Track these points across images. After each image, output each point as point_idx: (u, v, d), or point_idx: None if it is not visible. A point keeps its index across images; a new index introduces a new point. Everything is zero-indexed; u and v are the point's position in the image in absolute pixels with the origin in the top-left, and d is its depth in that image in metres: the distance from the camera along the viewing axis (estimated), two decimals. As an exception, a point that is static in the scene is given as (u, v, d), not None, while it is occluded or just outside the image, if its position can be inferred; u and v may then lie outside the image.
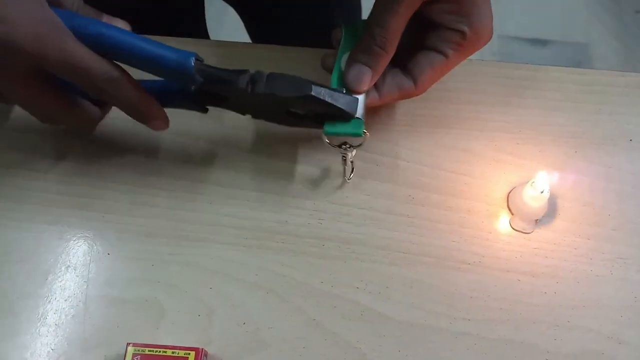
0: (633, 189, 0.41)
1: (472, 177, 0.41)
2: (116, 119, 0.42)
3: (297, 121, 0.39)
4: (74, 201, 0.41)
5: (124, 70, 0.36)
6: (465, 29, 0.37)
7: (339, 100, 0.36)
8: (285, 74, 0.36)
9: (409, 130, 0.43)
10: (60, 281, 0.38)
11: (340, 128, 0.37)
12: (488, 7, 0.38)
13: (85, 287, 0.38)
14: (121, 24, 0.39)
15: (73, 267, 0.38)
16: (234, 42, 0.47)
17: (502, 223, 0.40)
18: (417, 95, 0.40)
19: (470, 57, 0.39)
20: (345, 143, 0.38)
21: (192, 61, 0.35)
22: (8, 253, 0.39)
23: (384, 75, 0.39)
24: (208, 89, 0.37)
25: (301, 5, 0.66)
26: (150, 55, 0.35)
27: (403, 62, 0.39)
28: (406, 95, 0.40)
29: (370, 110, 0.43)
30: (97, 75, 0.34)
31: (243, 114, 0.39)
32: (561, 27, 1.54)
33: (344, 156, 0.39)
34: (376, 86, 0.39)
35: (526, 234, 0.39)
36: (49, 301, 0.37)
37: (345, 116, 0.37)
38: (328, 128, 0.37)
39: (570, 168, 0.41)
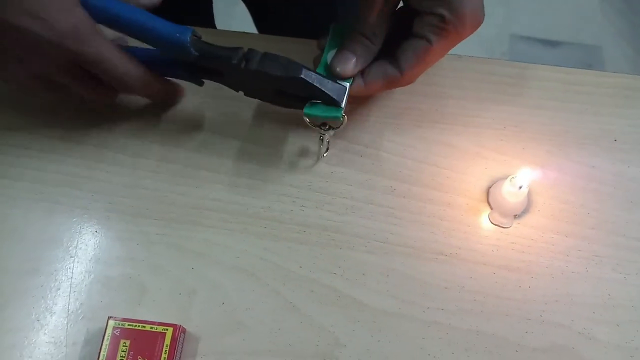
0: (613, 189, 0.41)
1: (454, 171, 0.42)
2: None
3: (287, 102, 0.40)
4: (65, 180, 0.42)
5: (147, 70, 0.40)
6: (444, 12, 0.37)
7: (327, 85, 0.37)
8: (279, 55, 0.38)
9: (394, 122, 0.44)
10: (48, 256, 0.39)
11: (320, 111, 0.38)
12: None
13: (71, 262, 0.39)
14: None
15: (61, 243, 0.40)
16: (238, 32, 0.48)
17: (481, 217, 0.40)
18: (404, 84, 0.40)
19: (459, 54, 0.40)
20: (324, 124, 0.39)
21: (189, 35, 0.37)
22: (-1, 227, 0.40)
23: (370, 64, 0.39)
24: (203, 63, 0.38)
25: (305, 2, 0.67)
26: (150, 28, 0.37)
27: (390, 52, 0.40)
28: (392, 84, 0.40)
29: (357, 102, 0.44)
30: (124, 75, 0.39)
31: (237, 90, 0.41)
32: (572, 28, 1.53)
33: (321, 136, 0.40)
34: (362, 74, 0.40)
35: (504, 229, 0.40)
36: (37, 275, 0.39)
37: (331, 102, 0.38)
38: (308, 110, 0.38)
39: (552, 166, 0.42)
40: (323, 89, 0.37)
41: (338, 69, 0.38)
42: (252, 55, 0.37)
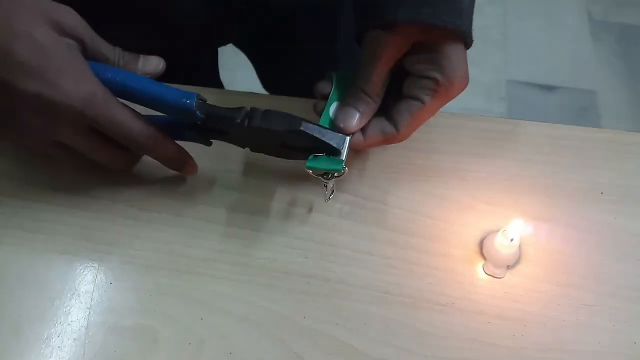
0: (601, 240, 0.43)
1: (449, 223, 0.44)
2: (125, 159, 0.46)
3: (291, 154, 0.43)
4: (83, 233, 0.44)
5: (160, 132, 0.42)
6: (437, 75, 0.40)
7: (327, 135, 0.40)
8: (279, 111, 0.40)
9: (393, 177, 0.46)
10: (65, 307, 0.41)
11: (322, 164, 0.41)
12: (460, 57, 0.41)
13: (87, 313, 0.41)
14: (155, 61, 0.44)
15: (78, 294, 0.42)
16: (245, 92, 0.52)
17: (476, 268, 0.42)
18: (399, 140, 0.43)
19: (454, 112, 0.43)
20: (326, 173, 0.41)
21: (195, 100, 0.40)
22: (20, 278, 0.42)
23: (369, 120, 0.42)
24: (209, 125, 0.41)
25: (308, 53, 0.71)
26: (158, 96, 0.40)
27: (387, 110, 0.43)
28: (389, 140, 0.43)
29: (359, 157, 0.47)
30: (139, 138, 0.41)
31: (243, 147, 0.43)
32: (568, 73, 1.58)
33: (325, 184, 0.42)
34: (362, 130, 0.43)
35: (498, 279, 0.42)
36: (54, 325, 0.41)
37: (333, 151, 0.41)
38: (310, 163, 0.41)
39: (542, 218, 0.44)
40: (324, 139, 0.40)
41: (342, 125, 0.42)
42: (254, 113, 0.40)
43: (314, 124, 0.40)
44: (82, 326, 0.41)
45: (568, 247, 0.43)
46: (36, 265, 0.43)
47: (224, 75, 0.80)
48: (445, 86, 0.40)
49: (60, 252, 0.44)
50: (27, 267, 0.43)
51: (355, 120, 0.41)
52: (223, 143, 0.43)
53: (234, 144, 0.43)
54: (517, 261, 0.42)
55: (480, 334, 0.40)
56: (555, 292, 0.41)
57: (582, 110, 1.52)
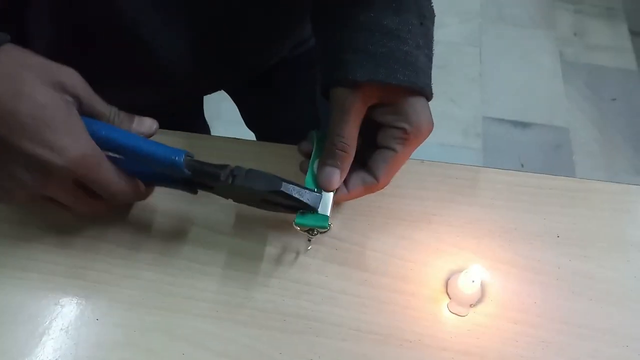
0: (557, 281, 0.47)
1: (417, 264, 0.47)
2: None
3: (271, 207, 0.46)
4: (72, 272, 0.47)
5: (140, 187, 0.45)
6: (405, 125, 0.44)
7: (304, 196, 0.44)
8: (261, 172, 0.43)
9: (366, 220, 0.50)
10: (54, 342, 0.44)
11: (309, 220, 0.44)
12: (422, 106, 0.45)
13: (74, 348, 0.43)
14: (149, 122, 0.47)
15: (65, 330, 0.44)
16: (234, 138, 0.55)
17: (441, 306, 0.46)
18: (380, 188, 0.47)
19: (432, 147, 0.47)
20: (312, 229, 0.45)
21: (182, 158, 0.43)
22: (15, 315, 0.45)
23: (349, 174, 0.46)
24: (196, 179, 0.44)
25: (290, 100, 0.75)
26: (148, 153, 0.43)
27: (363, 161, 0.46)
28: (370, 190, 0.46)
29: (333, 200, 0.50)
30: (120, 194, 0.44)
31: (226, 198, 0.46)
32: (543, 111, 1.65)
33: (309, 238, 0.46)
34: (345, 184, 0.46)
35: (461, 317, 0.45)
36: (43, 360, 0.43)
37: (309, 209, 0.44)
38: (298, 219, 0.44)
39: (503, 260, 0.48)
40: (302, 199, 0.43)
41: (325, 184, 0.45)
42: (238, 171, 0.43)
43: (294, 184, 0.44)
44: (69, 361, 0.43)
45: (526, 288, 0.46)
46: (28, 303, 0.45)
47: (209, 109, 0.83)
48: (413, 133, 0.44)
49: (50, 290, 0.46)
50: (20, 304, 0.45)
51: (335, 176, 0.45)
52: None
53: (218, 195, 0.46)
54: (480, 300, 0.46)
55: (444, 369, 0.43)
56: (514, 330, 0.45)
57: (556, 147, 1.58)
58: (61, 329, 0.44)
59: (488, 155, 1.52)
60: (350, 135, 0.45)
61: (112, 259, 0.47)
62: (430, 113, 0.45)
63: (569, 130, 1.61)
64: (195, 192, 0.47)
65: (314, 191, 0.44)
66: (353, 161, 0.46)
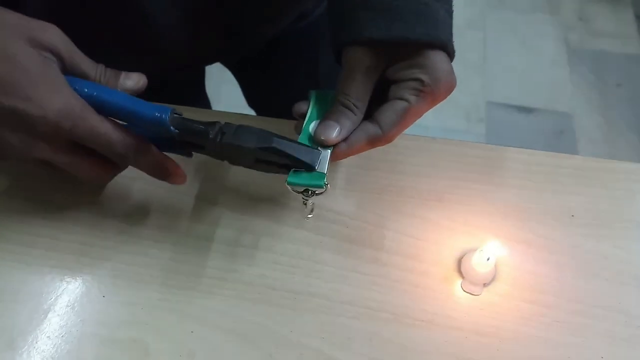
0: (572, 260, 0.46)
1: (429, 243, 0.46)
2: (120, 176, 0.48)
3: (268, 168, 0.43)
4: (77, 248, 0.46)
5: (141, 140, 0.42)
6: (422, 76, 0.40)
7: (300, 151, 0.41)
8: (253, 127, 0.41)
9: (376, 197, 0.49)
10: (59, 320, 0.43)
11: (303, 179, 0.41)
12: (443, 60, 0.41)
13: (80, 325, 0.43)
14: (136, 77, 0.44)
15: (71, 307, 0.43)
16: (226, 112, 0.54)
17: (454, 285, 0.45)
18: (385, 142, 0.42)
19: (435, 132, 0.45)
20: (307, 190, 0.42)
21: (168, 115, 0.41)
22: (16, 292, 0.44)
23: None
24: (185, 139, 0.42)
25: (292, 76, 0.73)
26: (133, 110, 0.41)
27: (368, 115, 0.43)
28: (374, 142, 0.42)
29: (344, 177, 0.49)
30: (119, 146, 0.41)
31: (221, 159, 0.43)
32: (546, 96, 1.63)
33: (304, 200, 0.43)
34: (345, 139, 0.42)
35: (475, 296, 0.44)
36: (47, 337, 0.42)
37: (307, 168, 0.41)
38: (291, 178, 0.41)
39: (516, 239, 0.47)
40: (295, 155, 0.40)
41: (322, 137, 0.41)
42: (228, 128, 0.41)
43: (287, 140, 0.41)
44: (75, 338, 0.42)
45: (540, 267, 0.46)
46: (30, 279, 0.44)
47: (209, 90, 0.82)
48: (430, 86, 0.40)
49: (54, 267, 0.45)
50: (21, 281, 0.44)
51: (334, 131, 0.41)
52: (209, 159, 0.44)
53: (212, 156, 0.43)
54: (493, 279, 0.45)
55: (457, 348, 0.42)
56: (528, 310, 0.44)
57: (559, 133, 1.57)
58: (66, 305, 0.43)
59: (491, 140, 1.51)
60: (357, 94, 0.41)
61: (118, 235, 0.46)
62: (453, 70, 0.41)
63: (572, 116, 1.59)
64: (189, 155, 0.44)
65: (311, 148, 0.42)
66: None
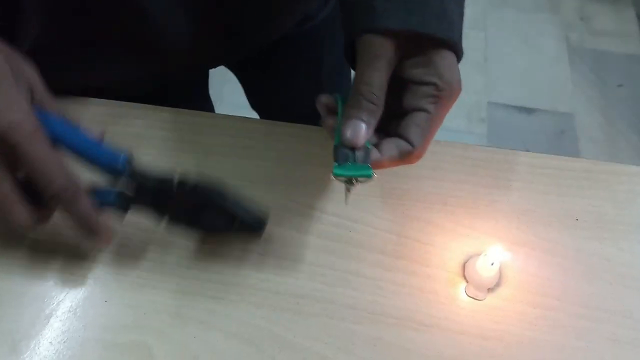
0: (575, 264, 0.46)
1: (434, 246, 0.46)
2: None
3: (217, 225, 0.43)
4: (79, 252, 0.46)
5: (81, 187, 0.39)
6: (436, 80, 0.39)
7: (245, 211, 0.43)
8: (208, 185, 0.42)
9: (380, 201, 0.49)
10: (61, 325, 0.42)
11: (350, 171, 0.40)
12: (452, 62, 0.40)
13: (83, 330, 0.42)
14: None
15: (73, 312, 0.43)
16: (233, 115, 0.54)
17: (458, 289, 0.45)
18: (417, 157, 0.42)
19: (436, 139, 0.45)
20: (350, 180, 0.40)
21: (123, 160, 0.41)
22: (19, 297, 0.43)
23: (380, 142, 0.41)
24: (136, 188, 0.42)
25: (295, 79, 0.73)
26: (90, 150, 0.40)
27: (395, 129, 0.42)
28: (406, 158, 0.41)
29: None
30: (58, 182, 0.38)
31: (162, 214, 0.43)
32: (548, 96, 1.63)
33: (348, 189, 0.41)
34: (378, 149, 0.41)
35: (479, 300, 0.44)
36: (50, 342, 0.42)
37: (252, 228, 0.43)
38: (337, 170, 0.40)
39: (520, 242, 0.47)
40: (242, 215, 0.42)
41: (350, 137, 0.40)
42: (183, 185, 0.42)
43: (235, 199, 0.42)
44: (77, 344, 0.42)
45: (544, 271, 0.45)
46: (33, 283, 0.44)
47: (212, 91, 0.82)
48: (445, 91, 0.40)
49: (56, 270, 0.45)
50: (23, 286, 0.44)
51: (361, 130, 0.40)
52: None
53: (153, 211, 0.43)
54: (497, 284, 0.45)
55: (462, 353, 0.42)
56: (532, 314, 0.44)
57: (560, 133, 1.56)
58: (68, 310, 0.43)
59: (492, 141, 1.51)
60: (379, 84, 0.40)
61: (120, 239, 0.46)
62: (460, 74, 0.41)
63: (573, 116, 1.59)
64: (126, 211, 0.43)
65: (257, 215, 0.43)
66: (381, 131, 0.41)
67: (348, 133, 0.40)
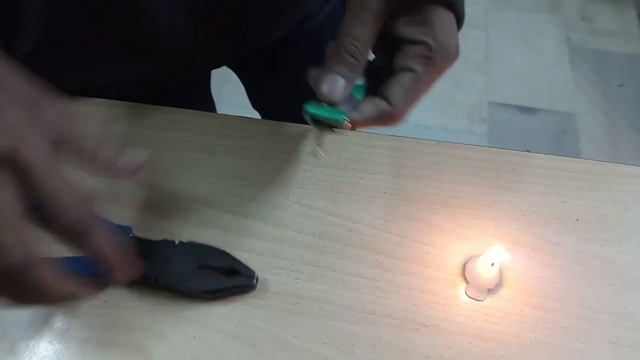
0: (576, 265, 0.46)
1: (433, 247, 0.46)
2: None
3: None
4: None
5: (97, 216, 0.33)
6: (429, 40, 0.37)
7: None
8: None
9: (379, 201, 0.48)
10: (62, 325, 0.42)
11: (323, 111, 0.38)
12: (451, 24, 0.38)
13: (82, 330, 0.42)
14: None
15: (73, 312, 0.43)
16: (241, 116, 0.54)
17: (458, 290, 0.45)
18: (397, 119, 0.39)
19: (436, 131, 0.45)
20: (321, 123, 0.38)
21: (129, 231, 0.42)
22: (17, 297, 0.43)
23: (364, 99, 0.40)
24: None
25: (296, 79, 0.73)
26: None
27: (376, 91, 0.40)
28: (385, 119, 0.39)
29: (348, 182, 0.49)
30: (73, 201, 0.31)
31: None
32: (549, 96, 1.63)
33: (317, 135, 0.40)
34: (358, 108, 0.39)
35: (479, 302, 0.44)
36: (49, 342, 0.42)
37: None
38: (310, 108, 0.38)
39: (521, 243, 0.47)
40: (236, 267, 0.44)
41: (328, 95, 0.38)
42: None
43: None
44: (76, 344, 0.42)
45: (545, 272, 0.45)
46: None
47: (213, 90, 0.81)
48: (438, 52, 0.37)
49: (56, 271, 0.45)
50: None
51: (340, 87, 0.37)
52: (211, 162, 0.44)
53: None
54: (498, 285, 0.44)
55: (461, 354, 0.42)
56: (533, 315, 0.44)
57: (562, 133, 1.56)
58: (67, 310, 0.43)
59: (493, 141, 1.51)
60: (364, 38, 0.37)
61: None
62: (458, 38, 0.38)
63: (575, 116, 1.59)
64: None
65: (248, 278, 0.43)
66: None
67: (325, 88, 0.38)
